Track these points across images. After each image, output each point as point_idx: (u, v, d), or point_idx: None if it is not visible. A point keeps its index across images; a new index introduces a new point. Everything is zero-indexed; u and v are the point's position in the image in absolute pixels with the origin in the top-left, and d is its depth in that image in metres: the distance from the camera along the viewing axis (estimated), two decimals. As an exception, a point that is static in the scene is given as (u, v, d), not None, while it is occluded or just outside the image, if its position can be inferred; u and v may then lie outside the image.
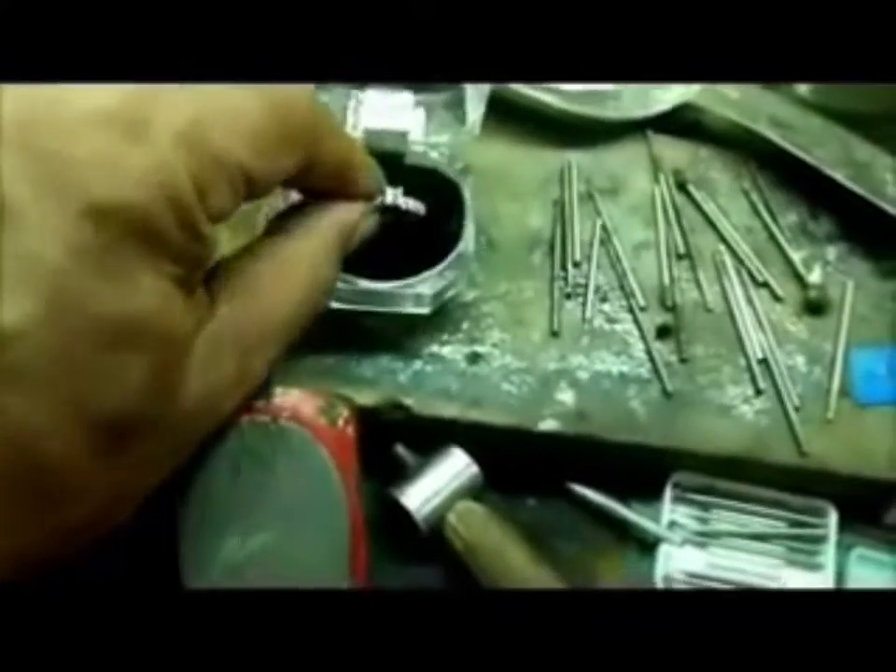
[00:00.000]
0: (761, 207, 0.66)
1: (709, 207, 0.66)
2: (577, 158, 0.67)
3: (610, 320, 0.62)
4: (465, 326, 0.60)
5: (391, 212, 0.49)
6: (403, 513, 0.56)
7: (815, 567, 0.59)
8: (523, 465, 0.59)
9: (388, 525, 0.57)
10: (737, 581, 0.59)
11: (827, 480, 0.59)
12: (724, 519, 0.60)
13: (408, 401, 0.57)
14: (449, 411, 0.58)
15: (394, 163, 0.51)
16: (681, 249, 0.64)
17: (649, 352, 0.60)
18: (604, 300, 0.62)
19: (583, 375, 0.59)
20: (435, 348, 0.59)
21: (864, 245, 0.65)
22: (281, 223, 0.44)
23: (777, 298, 0.63)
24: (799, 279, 0.64)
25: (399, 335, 0.59)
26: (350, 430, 0.50)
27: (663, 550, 0.59)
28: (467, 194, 0.56)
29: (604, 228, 0.64)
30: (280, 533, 0.46)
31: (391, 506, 0.56)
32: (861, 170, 0.66)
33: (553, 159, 0.67)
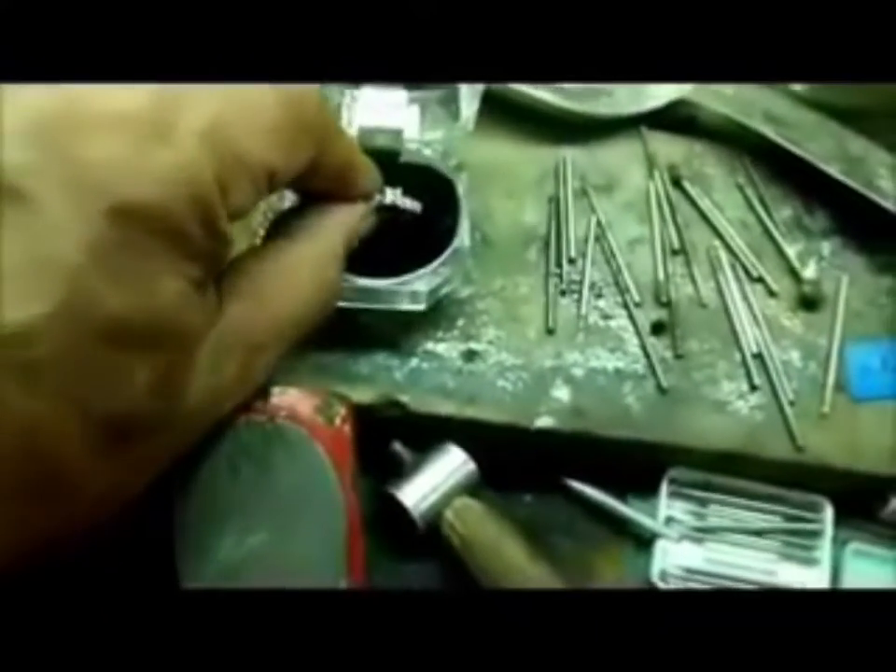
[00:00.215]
0: (755, 202, 0.66)
1: (704, 203, 0.66)
2: (572, 154, 0.67)
3: (605, 316, 0.62)
4: (460, 323, 0.60)
5: (388, 211, 0.49)
6: (400, 510, 0.56)
7: (811, 562, 0.59)
8: (519, 461, 0.60)
9: (385, 521, 0.57)
10: (734, 577, 0.59)
11: (822, 475, 0.59)
12: (720, 514, 0.61)
13: (404, 399, 0.57)
14: (445, 408, 0.58)
15: (389, 161, 0.51)
16: (676, 245, 0.64)
17: (644, 348, 0.61)
18: (599, 296, 0.62)
19: (579, 372, 0.60)
20: (431, 345, 0.59)
21: (859, 240, 0.65)
22: (285, 226, 0.44)
23: (771, 293, 0.63)
24: (794, 274, 0.64)
25: (395, 333, 0.59)
26: (347, 428, 0.50)
27: (659, 545, 0.59)
28: (461, 191, 0.56)
29: (599, 224, 0.64)
30: (277, 531, 0.46)
31: (388, 503, 0.56)
32: (854, 164, 0.66)
33: (547, 155, 0.67)
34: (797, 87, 0.71)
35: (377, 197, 0.48)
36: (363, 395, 0.56)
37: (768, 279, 0.63)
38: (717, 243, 0.65)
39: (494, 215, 0.64)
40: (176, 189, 0.33)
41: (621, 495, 0.61)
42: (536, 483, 0.61)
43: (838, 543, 0.59)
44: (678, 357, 0.61)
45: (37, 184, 0.31)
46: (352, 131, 0.54)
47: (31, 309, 0.30)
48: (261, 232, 0.47)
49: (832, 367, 0.61)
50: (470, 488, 0.57)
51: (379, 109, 0.54)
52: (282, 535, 0.45)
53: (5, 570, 0.33)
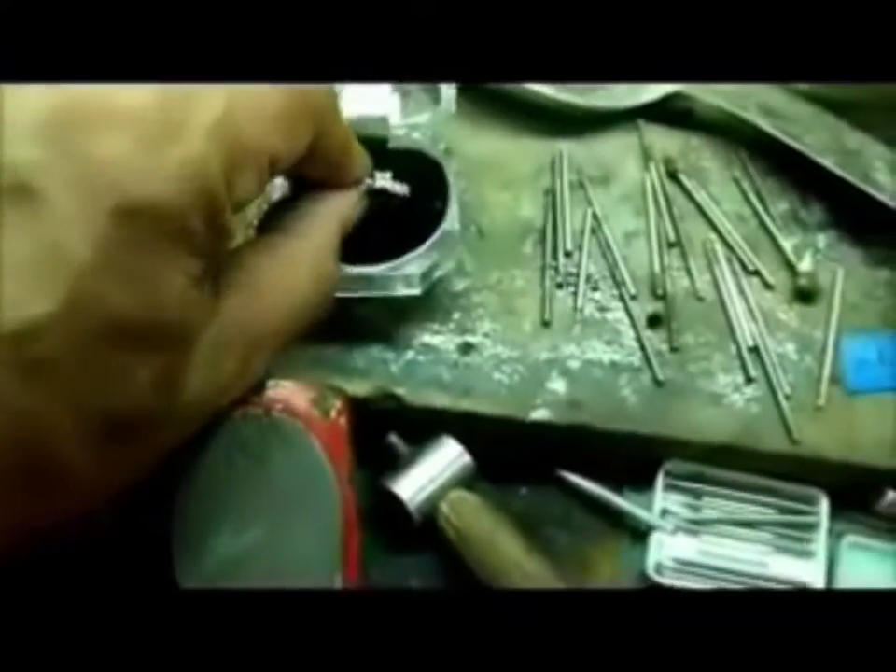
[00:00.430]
0: (751, 195, 0.66)
1: (700, 196, 0.66)
2: (568, 147, 0.67)
3: (601, 309, 0.62)
4: (456, 316, 0.60)
5: (379, 195, 0.49)
6: (396, 503, 0.56)
7: (806, 555, 0.59)
8: (515, 454, 0.60)
9: (381, 514, 0.57)
10: (730, 569, 0.59)
11: (818, 467, 0.59)
12: (716, 507, 0.61)
13: (400, 391, 0.57)
14: (441, 400, 0.58)
15: (377, 148, 0.51)
16: (672, 238, 0.64)
17: (640, 340, 0.61)
18: (595, 289, 0.62)
19: (575, 364, 0.60)
20: (426, 338, 0.59)
21: (855, 233, 0.65)
22: (279, 219, 0.43)
23: (767, 286, 0.63)
24: (790, 267, 0.64)
25: (391, 325, 0.59)
26: (342, 421, 0.50)
27: (654, 538, 0.59)
28: (450, 172, 0.56)
29: (595, 217, 0.64)
30: (273, 524, 0.46)
31: (384, 495, 0.56)
32: (851, 157, 0.66)
33: (544, 148, 0.67)
34: (793, 80, 0.71)
35: (367, 182, 0.48)
36: (359, 387, 0.56)
37: (764, 272, 0.63)
38: (713, 236, 0.65)
39: (490, 208, 0.64)
40: (185, 186, 0.33)
41: (616, 487, 0.61)
42: (532, 476, 0.61)
43: (834, 536, 0.59)
44: (673, 349, 0.61)
45: (45, 181, 0.31)
46: None
47: (35, 307, 0.30)
48: (255, 223, 0.47)
49: (827, 360, 0.61)
50: (466, 481, 0.57)
51: (362, 98, 0.54)
52: (278, 528, 0.46)
53: None
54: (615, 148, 0.68)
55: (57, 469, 0.33)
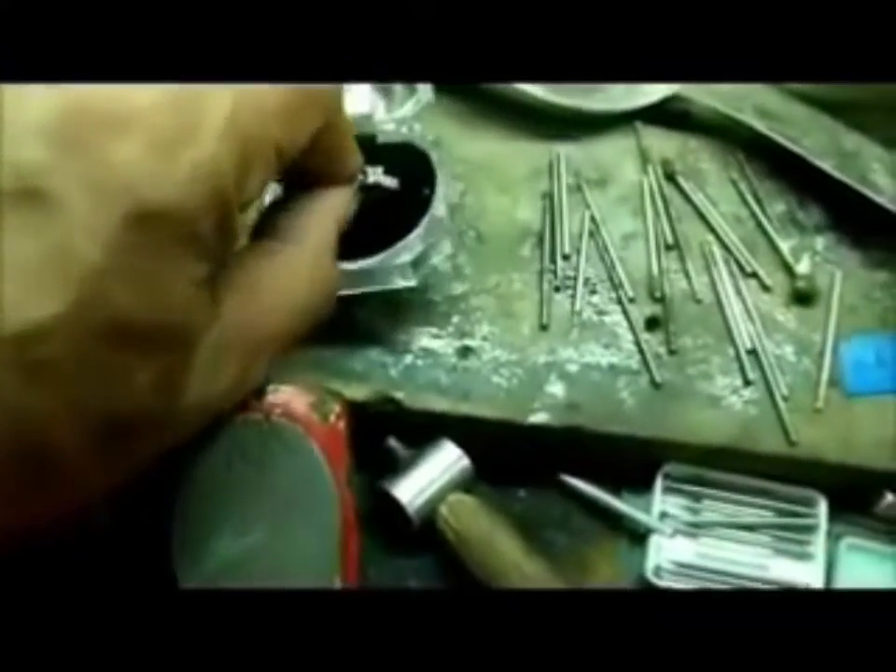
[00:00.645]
0: (749, 197, 0.66)
1: (698, 198, 0.66)
2: (565, 150, 0.67)
3: (600, 312, 0.62)
4: (455, 319, 0.60)
5: (371, 190, 0.49)
6: (395, 506, 0.56)
7: (805, 557, 0.59)
8: (514, 457, 0.60)
9: (381, 517, 0.57)
10: (728, 572, 0.59)
11: (817, 469, 0.59)
12: (715, 509, 0.61)
13: (399, 395, 0.57)
14: (440, 404, 0.58)
15: (366, 145, 0.51)
16: (670, 240, 0.64)
17: (638, 343, 0.61)
18: (593, 292, 0.63)
19: (573, 367, 0.60)
20: (425, 342, 0.59)
21: (852, 235, 0.65)
22: (275, 221, 0.43)
23: (765, 288, 0.63)
24: (787, 269, 0.64)
25: (390, 329, 0.59)
26: (341, 425, 0.50)
27: (653, 540, 0.59)
28: (435, 159, 0.56)
29: (592, 219, 0.65)
30: (272, 528, 0.46)
31: (383, 499, 0.56)
32: (848, 159, 0.66)
33: (541, 151, 0.67)
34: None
35: (359, 178, 0.47)
36: (358, 391, 0.56)
37: (762, 274, 0.63)
38: (710, 238, 0.65)
39: (488, 211, 0.64)
40: (197, 190, 0.33)
41: (615, 490, 0.61)
42: (530, 479, 0.61)
43: (832, 538, 0.59)
44: (671, 352, 0.61)
45: (56, 183, 0.30)
46: None
47: (41, 309, 0.30)
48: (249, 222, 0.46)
49: (826, 362, 0.61)
50: (465, 484, 0.57)
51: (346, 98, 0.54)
52: (277, 532, 0.46)
53: None
54: (613, 151, 0.68)
55: (54, 468, 0.33)
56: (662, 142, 0.68)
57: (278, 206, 0.44)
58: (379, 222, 0.51)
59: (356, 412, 0.53)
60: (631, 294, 0.62)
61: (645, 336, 0.61)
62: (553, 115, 0.67)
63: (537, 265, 0.63)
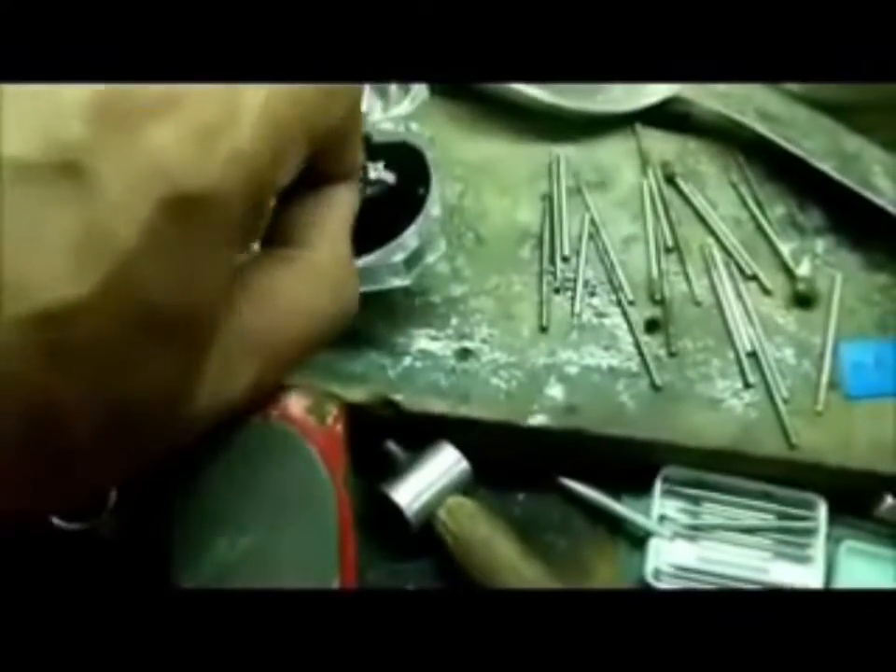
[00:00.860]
0: (749, 200, 0.66)
1: (698, 200, 0.66)
2: (565, 152, 0.67)
3: (599, 314, 0.62)
4: (454, 321, 0.60)
5: (372, 186, 0.49)
6: (394, 509, 0.56)
7: (805, 560, 0.59)
8: (513, 460, 0.60)
9: (379, 520, 0.57)
10: (728, 575, 0.59)
11: (816, 472, 0.59)
12: (714, 512, 0.61)
13: (397, 398, 0.57)
14: (439, 407, 0.58)
15: (365, 145, 0.51)
16: (670, 242, 0.64)
17: (638, 346, 0.61)
18: (593, 294, 0.62)
19: (572, 370, 0.60)
20: (424, 344, 0.59)
21: (853, 238, 0.65)
22: (287, 224, 0.42)
23: (765, 290, 0.63)
24: (788, 272, 0.64)
25: (388, 331, 0.59)
26: (339, 428, 0.50)
27: (653, 544, 0.59)
28: (431, 158, 0.55)
29: (592, 222, 0.64)
30: (269, 531, 0.46)
31: (382, 502, 0.56)
32: (848, 161, 0.66)
33: (541, 153, 0.67)
34: (791, 84, 0.70)
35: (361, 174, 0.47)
36: (356, 394, 0.56)
37: (762, 277, 0.63)
38: (710, 240, 0.65)
39: (487, 213, 0.64)
40: (234, 177, 0.32)
41: (614, 493, 0.61)
42: (529, 482, 0.61)
43: (832, 541, 0.59)
44: (671, 354, 0.60)
45: (95, 161, 0.30)
46: None
47: (70, 289, 0.30)
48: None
49: (825, 364, 0.61)
50: (464, 487, 0.57)
51: None
52: (274, 535, 0.45)
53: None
54: (613, 153, 0.68)
55: (65, 453, 0.33)
56: (662, 144, 0.68)
57: (285, 209, 0.43)
58: (373, 221, 0.50)
59: (354, 414, 0.52)
60: (631, 296, 0.62)
61: (645, 338, 0.61)
62: (553, 116, 0.67)
63: (536, 267, 0.63)
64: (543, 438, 0.58)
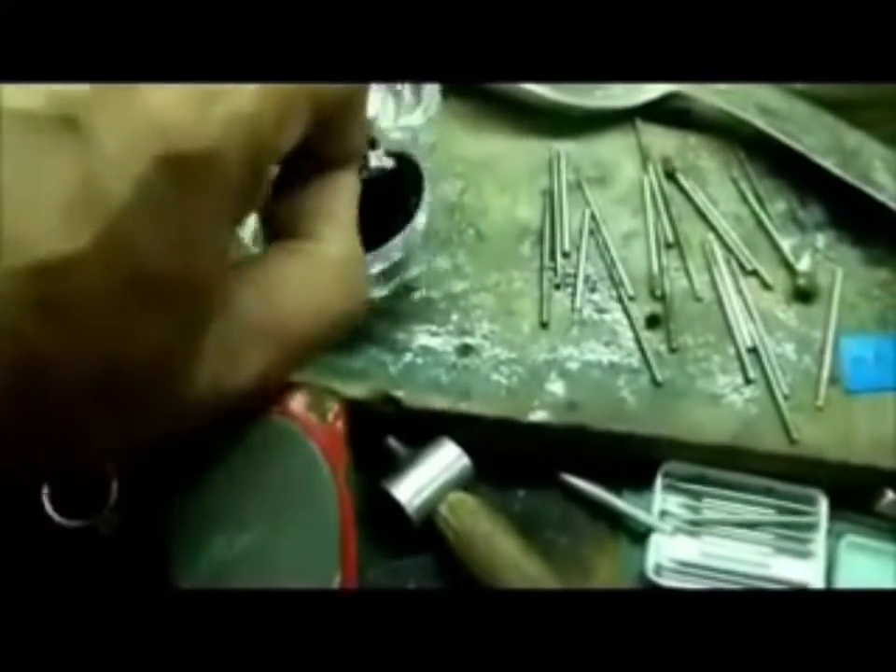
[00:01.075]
0: (749, 195, 0.66)
1: (698, 196, 0.66)
2: (565, 147, 0.67)
3: (600, 310, 0.62)
4: (455, 317, 0.60)
5: (370, 173, 0.48)
6: (395, 505, 0.56)
7: (806, 555, 0.59)
8: (514, 456, 0.59)
9: (380, 517, 0.57)
10: (729, 570, 0.59)
11: (817, 467, 0.59)
12: (715, 508, 0.61)
13: (398, 394, 0.57)
14: (439, 403, 0.58)
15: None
16: (670, 238, 0.64)
17: (638, 341, 0.61)
18: (593, 290, 0.62)
19: (573, 365, 0.60)
20: (425, 340, 0.59)
21: (853, 233, 0.65)
22: (292, 215, 0.41)
23: (766, 286, 0.63)
24: (788, 267, 0.64)
25: (389, 327, 0.59)
26: (340, 424, 0.50)
27: (654, 539, 0.59)
28: (425, 169, 0.55)
29: (593, 217, 0.64)
30: (270, 528, 0.46)
31: (383, 498, 0.56)
32: (849, 157, 0.66)
33: (541, 149, 0.67)
34: (792, 79, 0.71)
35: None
36: (357, 390, 0.56)
37: (762, 272, 0.63)
38: (711, 236, 0.65)
39: (488, 209, 0.64)
40: (232, 139, 0.32)
41: (615, 488, 0.61)
42: (530, 478, 0.61)
43: (833, 536, 0.59)
44: (672, 350, 0.60)
45: (94, 116, 0.30)
46: None
47: (64, 243, 0.30)
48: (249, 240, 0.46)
49: (826, 360, 0.61)
50: (465, 483, 0.57)
51: None
52: (275, 532, 0.45)
53: None
54: (613, 149, 0.68)
55: (53, 411, 0.32)
56: (662, 140, 0.68)
57: (290, 198, 0.42)
58: (361, 226, 0.50)
59: (355, 410, 0.52)
60: (631, 292, 0.62)
61: (645, 334, 0.61)
62: (553, 112, 0.67)
63: (537, 263, 0.63)
64: (544, 434, 0.58)
